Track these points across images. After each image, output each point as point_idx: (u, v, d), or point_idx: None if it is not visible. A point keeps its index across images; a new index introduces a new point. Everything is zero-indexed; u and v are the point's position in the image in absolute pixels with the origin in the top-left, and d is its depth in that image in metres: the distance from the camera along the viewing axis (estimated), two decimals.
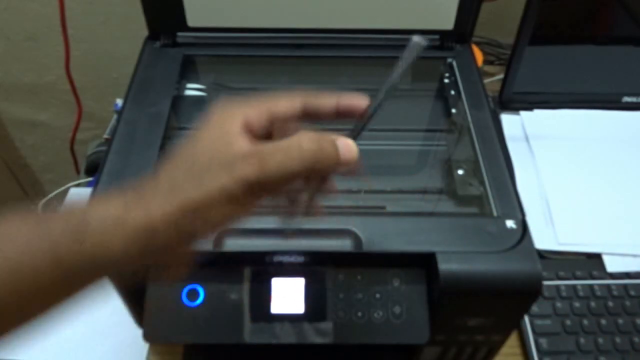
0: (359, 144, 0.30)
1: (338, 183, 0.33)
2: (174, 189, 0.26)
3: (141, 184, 0.27)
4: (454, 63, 0.60)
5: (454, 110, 0.57)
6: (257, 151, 0.27)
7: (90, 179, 0.80)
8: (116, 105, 0.77)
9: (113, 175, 0.45)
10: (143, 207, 0.26)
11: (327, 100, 0.31)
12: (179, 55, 0.58)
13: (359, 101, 0.31)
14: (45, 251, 0.25)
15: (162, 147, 0.48)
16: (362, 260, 0.42)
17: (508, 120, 0.77)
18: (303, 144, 0.28)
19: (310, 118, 0.31)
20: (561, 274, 0.61)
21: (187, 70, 0.59)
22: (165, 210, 0.26)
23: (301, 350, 0.43)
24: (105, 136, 0.76)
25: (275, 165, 0.27)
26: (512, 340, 0.57)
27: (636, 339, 0.56)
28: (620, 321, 0.58)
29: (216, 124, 0.28)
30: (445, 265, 0.40)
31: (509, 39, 0.75)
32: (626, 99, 0.78)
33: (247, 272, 0.42)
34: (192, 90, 0.59)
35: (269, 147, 0.28)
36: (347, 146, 0.29)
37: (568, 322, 0.58)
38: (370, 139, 0.56)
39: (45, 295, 0.26)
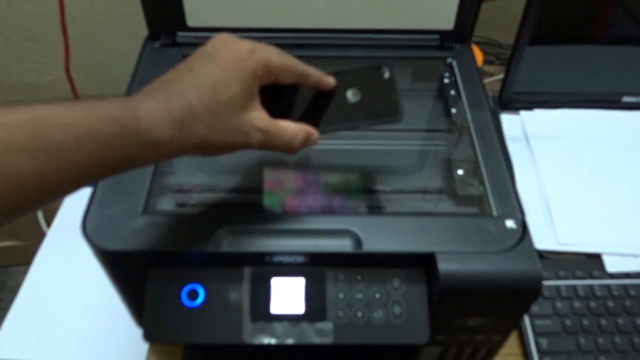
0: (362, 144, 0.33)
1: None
2: (209, 132, 0.35)
3: (189, 105, 0.34)
4: (454, 63, 0.60)
5: (454, 110, 0.57)
6: (267, 130, 0.38)
7: None
8: None
9: (113, 185, 0.45)
10: (188, 135, 0.34)
11: (313, 78, 0.42)
12: (179, 55, 0.58)
13: (329, 83, 0.43)
14: (119, 158, 0.32)
15: None
16: (362, 260, 0.42)
17: (508, 120, 0.77)
18: (296, 143, 0.40)
19: (298, 82, 0.41)
20: (561, 274, 0.61)
21: None
22: (200, 139, 0.35)
23: (301, 350, 0.43)
24: None
25: (273, 145, 0.39)
26: (512, 340, 0.57)
27: (636, 339, 0.56)
28: (620, 321, 0.58)
29: (242, 73, 0.36)
30: (445, 265, 0.40)
31: (509, 39, 0.75)
32: (626, 99, 0.78)
33: (247, 272, 0.42)
34: None
35: (275, 130, 0.38)
36: (314, 141, 0.42)
37: (568, 322, 0.58)
38: (370, 138, 0.57)
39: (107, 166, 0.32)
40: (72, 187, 0.31)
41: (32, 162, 0.28)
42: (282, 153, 0.40)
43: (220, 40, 0.38)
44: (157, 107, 0.33)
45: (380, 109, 0.44)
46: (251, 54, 0.37)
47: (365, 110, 0.44)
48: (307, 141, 0.40)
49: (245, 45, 0.37)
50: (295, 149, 0.40)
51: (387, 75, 0.45)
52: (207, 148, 0.36)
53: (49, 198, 0.30)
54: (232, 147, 0.37)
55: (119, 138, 0.31)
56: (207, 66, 0.36)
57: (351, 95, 0.44)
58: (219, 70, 0.36)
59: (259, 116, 0.37)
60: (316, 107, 0.43)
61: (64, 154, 0.29)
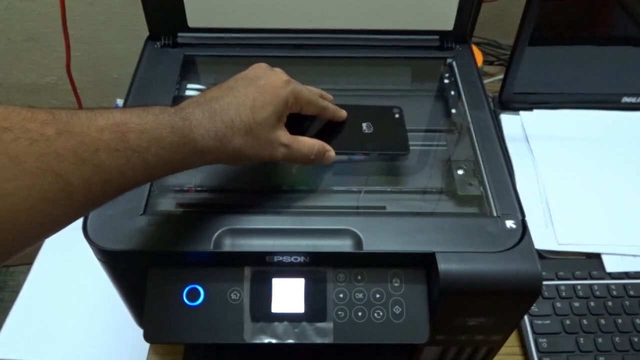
0: None
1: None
2: (243, 145, 0.40)
3: (230, 120, 0.39)
4: (454, 63, 0.60)
5: (454, 111, 0.57)
6: (289, 144, 0.43)
7: None
8: (117, 105, 0.77)
9: None
10: (226, 146, 0.39)
11: (330, 112, 0.49)
12: (180, 55, 0.58)
13: (342, 116, 0.50)
14: (174, 162, 0.37)
15: None
16: (362, 260, 0.42)
17: (508, 120, 0.77)
18: (312, 154, 0.45)
19: (319, 115, 0.48)
20: (561, 274, 0.61)
21: (188, 70, 0.59)
22: (235, 151, 0.40)
23: (301, 350, 0.43)
24: None
25: (293, 157, 0.44)
26: (512, 340, 0.57)
27: (636, 339, 0.56)
28: (619, 321, 0.58)
29: (277, 99, 0.42)
30: (445, 265, 0.40)
31: (509, 39, 0.75)
32: (626, 99, 0.78)
33: (247, 272, 0.42)
34: (193, 90, 0.59)
35: (295, 144, 0.44)
36: (330, 157, 0.47)
37: (568, 322, 0.58)
38: None
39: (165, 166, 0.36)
40: (140, 183, 0.35)
41: (116, 160, 0.32)
42: (301, 164, 0.47)
43: (260, 69, 0.44)
44: (204, 120, 0.38)
45: (390, 143, 0.51)
46: (286, 85, 0.43)
47: (376, 141, 0.50)
48: (323, 155, 0.46)
49: (282, 77, 0.43)
50: (312, 159, 0.45)
51: (397, 115, 0.52)
52: (240, 158, 0.41)
53: (122, 192, 0.34)
54: (260, 159, 0.42)
55: (179, 145, 0.36)
56: (247, 89, 0.41)
57: (365, 127, 0.51)
58: (258, 93, 0.41)
59: (284, 134, 0.43)
60: (335, 134, 0.50)
61: (139, 155, 0.34)
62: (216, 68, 0.64)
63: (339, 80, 0.64)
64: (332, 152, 0.47)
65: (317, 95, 0.47)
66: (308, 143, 0.45)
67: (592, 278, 0.61)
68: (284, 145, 0.43)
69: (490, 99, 0.55)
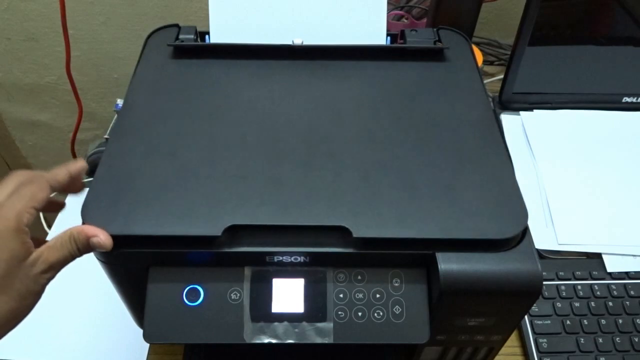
0: None
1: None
2: None
3: None
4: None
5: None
6: (43, 262, 0.37)
7: (91, 179, 0.79)
8: (117, 105, 0.77)
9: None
10: None
11: (61, 173, 0.42)
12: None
13: (77, 166, 0.44)
14: None
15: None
16: (362, 260, 0.42)
17: (508, 120, 0.77)
18: (73, 244, 0.38)
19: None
20: (561, 274, 0.61)
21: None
22: None
23: (301, 350, 0.43)
24: (106, 136, 0.76)
25: (62, 265, 0.38)
26: (512, 340, 0.58)
27: (636, 339, 0.56)
28: (620, 321, 0.58)
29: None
30: (445, 265, 0.40)
31: (509, 39, 0.75)
32: (626, 99, 0.78)
33: (247, 272, 0.42)
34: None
35: (46, 256, 0.37)
36: (100, 244, 0.39)
37: (568, 322, 0.58)
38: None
39: None
40: None
41: None
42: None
43: None
44: None
45: None
46: (13, 232, 0.35)
47: None
48: (87, 240, 0.39)
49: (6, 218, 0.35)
50: (78, 250, 0.39)
51: None
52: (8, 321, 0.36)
53: None
54: (31, 306, 0.38)
55: None
56: None
57: None
58: None
59: (32, 269, 0.37)
60: None
61: None
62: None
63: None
64: (99, 237, 0.39)
65: (45, 191, 0.39)
66: (57, 240, 0.38)
67: (592, 278, 0.61)
68: (42, 273, 0.37)
69: (490, 99, 0.55)
